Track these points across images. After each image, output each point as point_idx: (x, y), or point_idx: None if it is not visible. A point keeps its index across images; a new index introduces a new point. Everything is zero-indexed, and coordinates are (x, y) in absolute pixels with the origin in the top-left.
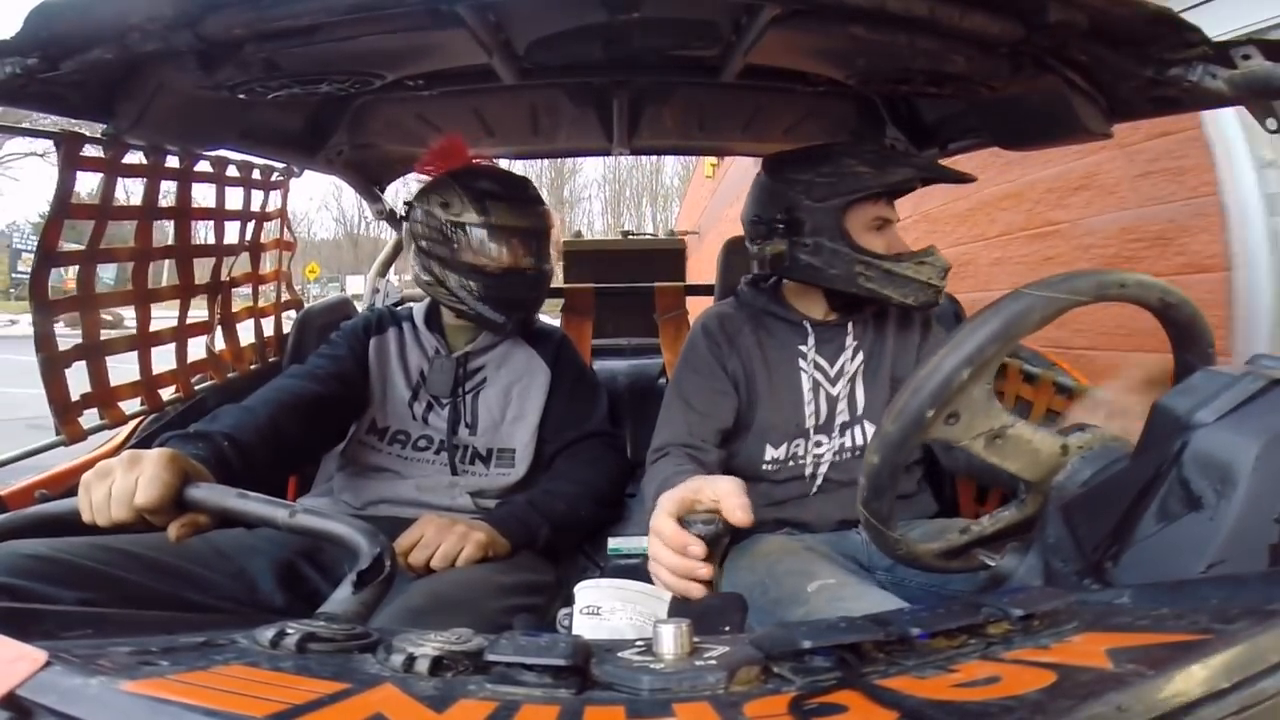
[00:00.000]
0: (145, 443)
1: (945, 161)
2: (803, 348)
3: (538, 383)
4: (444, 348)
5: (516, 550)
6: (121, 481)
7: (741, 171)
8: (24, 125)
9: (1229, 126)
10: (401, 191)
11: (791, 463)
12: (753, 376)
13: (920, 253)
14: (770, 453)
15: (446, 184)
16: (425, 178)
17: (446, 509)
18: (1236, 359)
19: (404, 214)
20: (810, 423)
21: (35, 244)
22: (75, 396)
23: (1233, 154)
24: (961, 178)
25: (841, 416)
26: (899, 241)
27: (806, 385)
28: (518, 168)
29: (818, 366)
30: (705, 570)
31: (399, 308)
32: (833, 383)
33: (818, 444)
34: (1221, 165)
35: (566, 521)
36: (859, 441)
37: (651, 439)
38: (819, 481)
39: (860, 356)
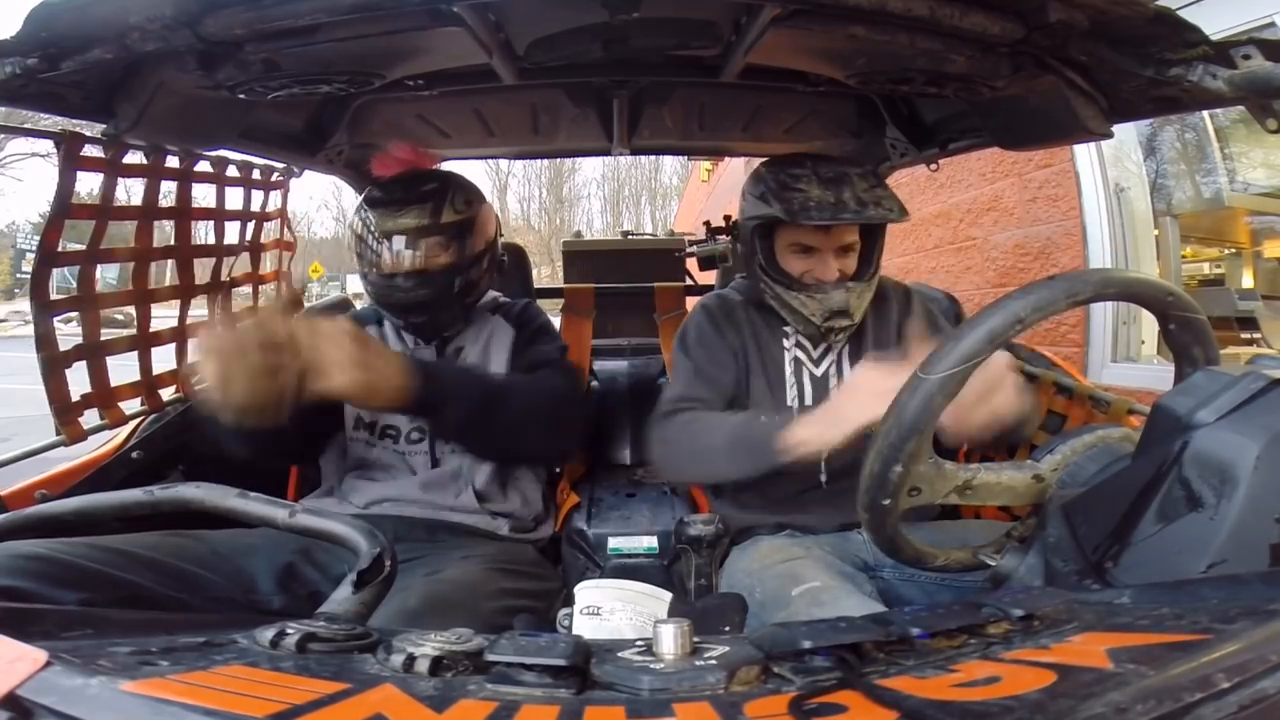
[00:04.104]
0: (145, 442)
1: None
2: (786, 329)
3: (504, 340)
4: (422, 338)
5: (408, 401)
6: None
7: (736, 176)
8: (25, 125)
9: (1091, 161)
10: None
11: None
12: (747, 353)
13: (815, 286)
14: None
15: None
16: None
17: (450, 508)
18: (1091, 367)
19: None
20: (793, 403)
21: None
22: (76, 397)
23: (1094, 184)
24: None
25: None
26: (823, 270)
27: (789, 369)
28: (517, 167)
29: (800, 346)
30: None
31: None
32: (816, 363)
33: None
34: (1086, 194)
35: (472, 397)
36: None
37: (662, 397)
38: (824, 471)
39: (842, 337)
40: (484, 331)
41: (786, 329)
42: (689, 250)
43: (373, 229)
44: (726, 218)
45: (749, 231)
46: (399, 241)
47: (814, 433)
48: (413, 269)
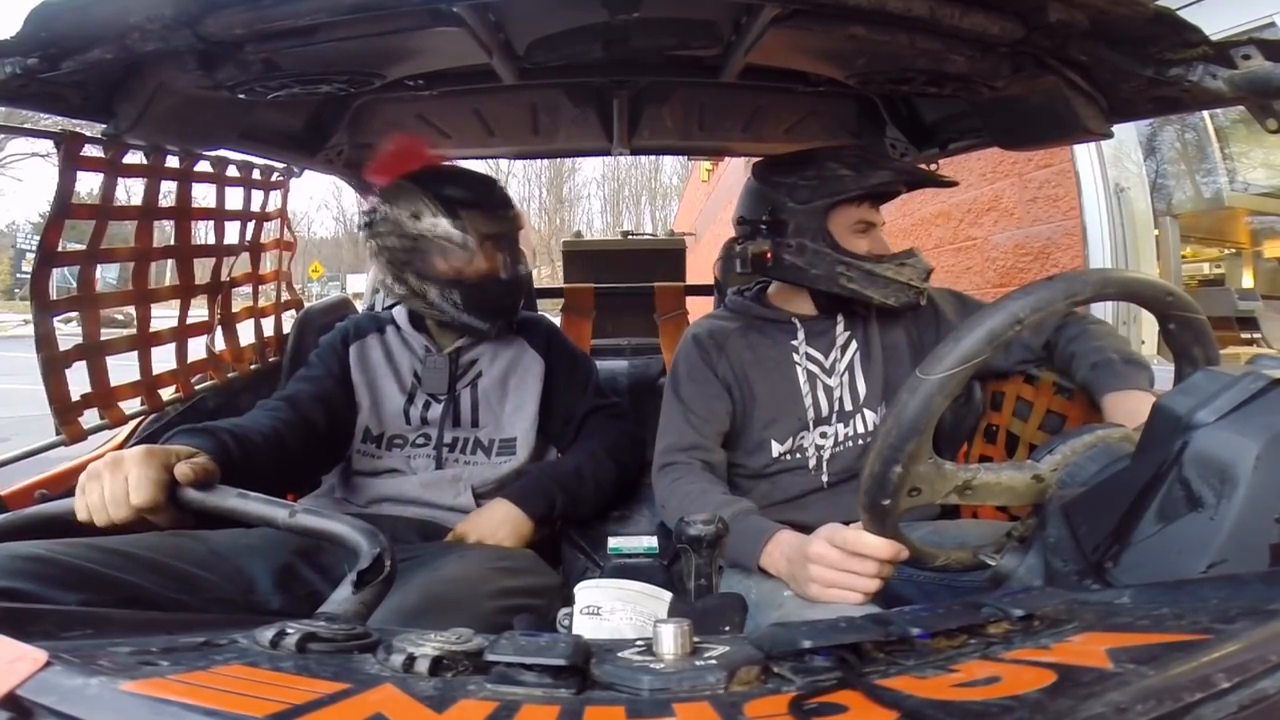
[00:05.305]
0: (145, 442)
1: (945, 162)
2: (794, 342)
3: (533, 373)
4: (434, 345)
5: (540, 523)
6: (112, 484)
7: (736, 175)
8: (25, 125)
9: (1091, 161)
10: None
11: (797, 454)
12: (746, 379)
13: (902, 254)
14: (776, 449)
15: (410, 191)
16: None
17: (449, 509)
18: None
19: (365, 222)
20: (811, 415)
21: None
22: (76, 397)
23: (1094, 184)
24: (941, 181)
25: (846, 406)
26: (882, 244)
27: (802, 378)
28: (517, 167)
29: (811, 359)
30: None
31: (381, 311)
32: (829, 374)
33: (822, 434)
34: (1086, 194)
35: (577, 485)
36: (859, 430)
37: (655, 444)
38: (825, 475)
39: (854, 346)
40: (503, 352)
41: (795, 343)
42: (736, 251)
43: (466, 231)
44: (772, 211)
45: (813, 215)
46: (494, 245)
47: (782, 566)
48: (507, 272)
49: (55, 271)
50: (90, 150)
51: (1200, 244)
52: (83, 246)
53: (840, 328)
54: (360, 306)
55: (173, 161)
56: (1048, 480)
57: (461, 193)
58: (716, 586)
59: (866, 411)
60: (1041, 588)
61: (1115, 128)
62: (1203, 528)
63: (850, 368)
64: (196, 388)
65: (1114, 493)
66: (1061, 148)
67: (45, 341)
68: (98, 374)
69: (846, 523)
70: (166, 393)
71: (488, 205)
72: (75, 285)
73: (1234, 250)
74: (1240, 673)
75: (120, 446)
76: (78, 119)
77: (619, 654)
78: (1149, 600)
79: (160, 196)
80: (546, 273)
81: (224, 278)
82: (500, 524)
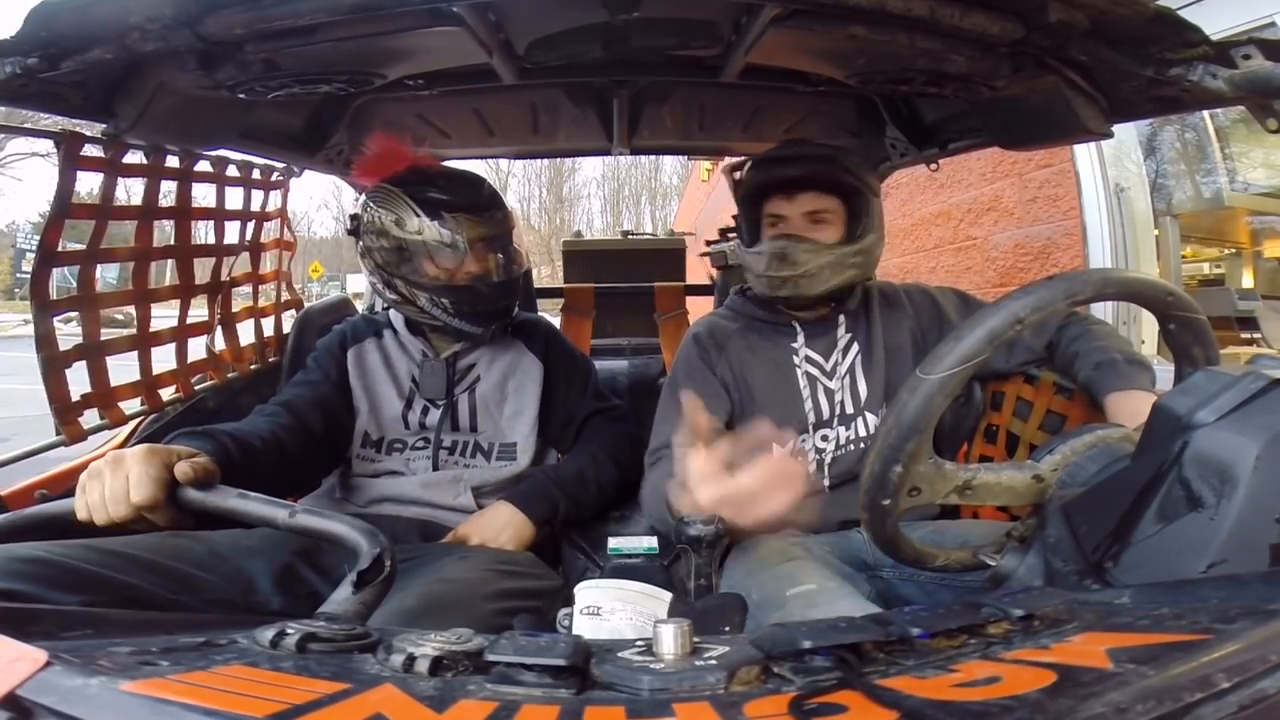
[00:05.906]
0: (145, 442)
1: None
2: (794, 345)
3: (532, 377)
4: (430, 350)
5: (541, 527)
6: (113, 482)
7: None
8: (25, 125)
9: (1091, 161)
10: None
11: (799, 458)
12: (746, 380)
13: (762, 243)
14: (777, 451)
15: (391, 196)
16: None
17: (449, 509)
18: None
19: (351, 228)
20: (811, 418)
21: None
22: (76, 397)
23: (1094, 184)
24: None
25: (847, 409)
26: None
27: (803, 381)
28: (517, 167)
29: (811, 361)
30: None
31: (376, 314)
32: (830, 376)
33: (824, 437)
34: (1086, 194)
35: (580, 489)
36: (862, 433)
37: (649, 442)
38: (827, 479)
39: (855, 348)
40: (501, 356)
41: (795, 345)
42: (703, 251)
43: (453, 235)
44: (734, 216)
45: (743, 214)
46: (484, 247)
47: (685, 501)
48: (500, 273)
49: (55, 271)
50: (90, 150)
51: (1200, 244)
52: (83, 246)
53: (841, 330)
54: (360, 306)
55: (173, 161)
56: (1048, 480)
57: (446, 195)
58: (716, 586)
59: (868, 414)
60: (1041, 588)
61: (1115, 128)
62: (1203, 528)
63: (851, 370)
64: (196, 388)
65: (1114, 493)
66: (1061, 148)
67: (45, 341)
68: (98, 374)
69: (845, 522)
70: (166, 393)
71: (474, 206)
72: (75, 285)
73: (1234, 250)
74: (1240, 673)
75: (120, 446)
76: (78, 119)
77: (619, 654)
78: (1149, 600)
79: (160, 196)
80: (546, 273)
81: (224, 278)
82: (503, 527)
